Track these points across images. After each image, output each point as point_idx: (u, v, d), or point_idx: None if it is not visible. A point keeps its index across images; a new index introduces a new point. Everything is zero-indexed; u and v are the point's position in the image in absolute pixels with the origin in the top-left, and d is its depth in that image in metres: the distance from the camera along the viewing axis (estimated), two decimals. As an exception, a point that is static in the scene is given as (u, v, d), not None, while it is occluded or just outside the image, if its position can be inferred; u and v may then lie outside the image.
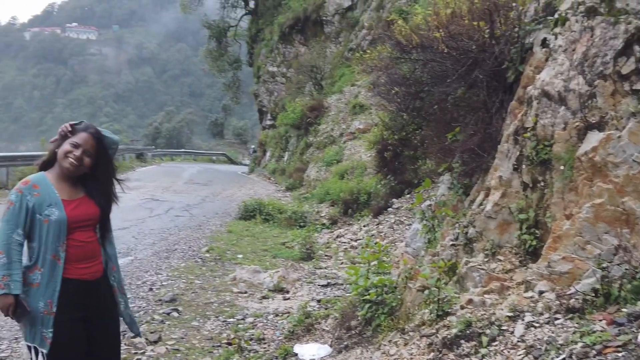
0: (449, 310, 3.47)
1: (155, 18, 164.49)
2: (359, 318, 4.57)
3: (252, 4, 36.45)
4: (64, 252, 2.92)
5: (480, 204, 4.15)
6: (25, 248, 2.92)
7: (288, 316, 5.89)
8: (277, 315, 6.07)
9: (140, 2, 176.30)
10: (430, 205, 5.47)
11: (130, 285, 6.85)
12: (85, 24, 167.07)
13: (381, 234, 9.33)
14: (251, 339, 5.25)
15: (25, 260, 2.92)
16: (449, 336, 3.20)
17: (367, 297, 4.43)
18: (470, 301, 3.46)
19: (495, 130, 4.52)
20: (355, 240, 9.82)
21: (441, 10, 5.05)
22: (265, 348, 5.06)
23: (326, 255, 9.21)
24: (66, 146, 2.98)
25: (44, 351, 2.87)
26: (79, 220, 2.99)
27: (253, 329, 5.61)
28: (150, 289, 6.82)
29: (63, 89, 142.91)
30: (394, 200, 10.31)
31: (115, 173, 3.23)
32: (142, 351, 4.86)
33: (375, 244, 6.40)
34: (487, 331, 3.08)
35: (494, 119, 4.61)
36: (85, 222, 3.02)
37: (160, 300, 6.40)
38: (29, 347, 2.91)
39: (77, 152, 2.95)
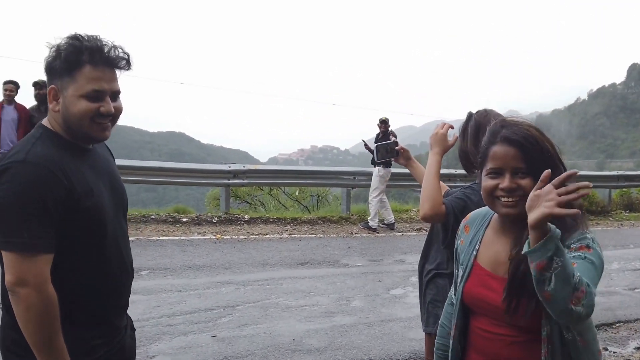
0: None
1: None
2: None
3: None
4: (464, 339, 1.95)
5: None
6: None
7: None
8: None
9: None
10: None
11: None
12: None
13: None
14: None
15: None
16: None
17: None
18: None
19: None
20: None
21: None
22: None
23: None
24: (485, 179, 1.82)
25: None
26: (479, 305, 1.87)
27: None
28: None
29: None
30: None
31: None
32: None
33: None
34: None
35: None
36: (492, 309, 1.80)
37: None
38: None
39: (504, 183, 1.75)
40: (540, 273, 1.49)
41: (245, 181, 11.57)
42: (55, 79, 1.85)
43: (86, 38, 1.84)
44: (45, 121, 1.92)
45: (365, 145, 11.39)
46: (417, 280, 3.11)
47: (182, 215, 10.81)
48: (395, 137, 9.66)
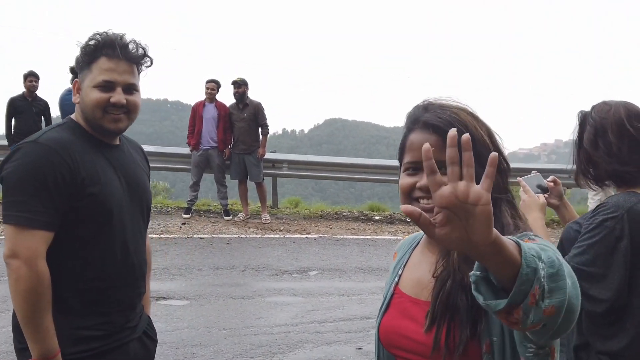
0: None
1: None
2: None
3: None
4: None
5: None
6: None
7: None
8: None
9: None
10: None
11: None
12: None
13: None
14: None
15: None
16: None
17: None
18: None
19: None
20: None
21: None
22: None
23: None
24: (402, 176, 1.39)
25: None
26: (398, 345, 1.37)
27: None
28: None
29: None
30: None
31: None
32: None
33: None
34: None
35: None
36: (415, 349, 1.31)
37: None
38: None
39: (423, 181, 1.30)
40: (536, 302, 0.98)
41: (444, 178, 10.93)
42: (79, 74, 1.99)
43: (106, 34, 1.95)
44: (74, 114, 2.04)
45: None
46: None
47: (375, 214, 10.58)
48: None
